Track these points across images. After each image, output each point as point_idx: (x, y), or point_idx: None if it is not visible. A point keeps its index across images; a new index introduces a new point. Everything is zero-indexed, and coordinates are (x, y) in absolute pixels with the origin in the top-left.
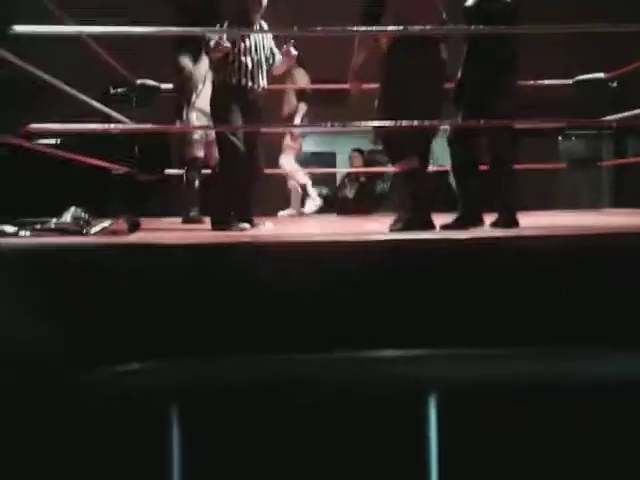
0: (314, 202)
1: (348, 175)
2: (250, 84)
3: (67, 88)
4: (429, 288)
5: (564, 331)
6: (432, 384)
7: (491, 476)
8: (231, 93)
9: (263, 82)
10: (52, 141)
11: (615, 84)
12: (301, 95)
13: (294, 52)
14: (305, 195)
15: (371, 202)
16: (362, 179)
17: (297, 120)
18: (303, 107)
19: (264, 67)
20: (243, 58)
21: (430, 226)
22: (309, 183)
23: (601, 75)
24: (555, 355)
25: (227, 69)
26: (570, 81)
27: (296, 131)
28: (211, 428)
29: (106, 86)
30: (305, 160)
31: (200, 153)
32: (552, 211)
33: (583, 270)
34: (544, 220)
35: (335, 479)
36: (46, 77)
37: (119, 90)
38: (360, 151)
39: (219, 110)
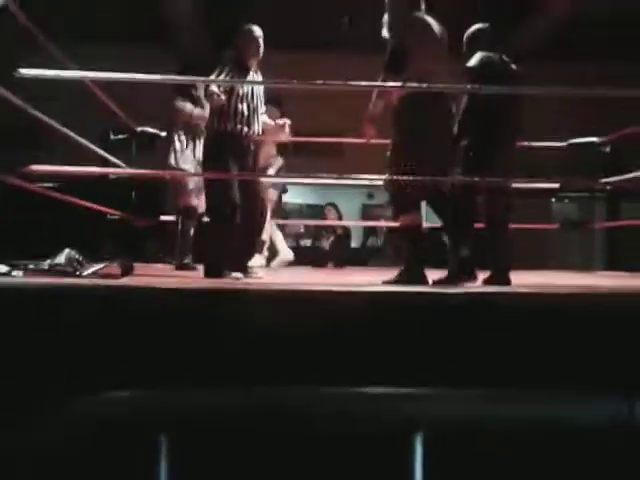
0: (284, 256)
1: (324, 228)
2: (246, 130)
3: (68, 132)
4: (422, 334)
5: (548, 376)
6: (419, 422)
7: None
8: (226, 140)
9: (258, 128)
10: (49, 184)
11: (608, 148)
12: (281, 148)
13: (287, 130)
14: (274, 249)
15: (346, 255)
16: (339, 232)
17: (271, 172)
18: (279, 160)
19: (259, 113)
20: (239, 105)
21: (424, 280)
22: (279, 237)
23: (594, 139)
24: (540, 397)
25: (223, 115)
26: (564, 144)
27: (273, 184)
28: (199, 458)
29: (106, 132)
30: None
31: (195, 202)
32: (544, 271)
33: (568, 325)
34: (536, 279)
35: None
36: (48, 120)
37: (119, 136)
38: (334, 205)
39: (212, 158)
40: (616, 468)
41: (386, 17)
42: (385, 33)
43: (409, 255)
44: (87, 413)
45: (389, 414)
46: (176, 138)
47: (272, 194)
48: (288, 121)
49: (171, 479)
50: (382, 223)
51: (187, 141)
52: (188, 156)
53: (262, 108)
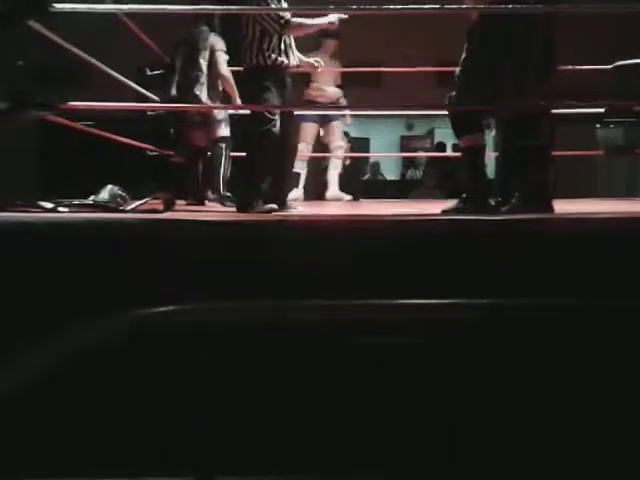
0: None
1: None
2: (286, 62)
3: (104, 68)
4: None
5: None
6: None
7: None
8: (268, 71)
9: (295, 60)
10: (89, 122)
11: None
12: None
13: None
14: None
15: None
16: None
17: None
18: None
19: (293, 44)
20: (276, 37)
21: (487, 208)
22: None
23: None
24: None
25: (263, 46)
26: (609, 67)
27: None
28: (248, 369)
29: (143, 68)
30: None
31: (226, 132)
32: (588, 199)
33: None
34: (580, 207)
35: (357, 420)
36: (84, 55)
37: (155, 72)
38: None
39: (254, 89)
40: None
41: None
42: None
43: (473, 180)
44: (153, 322)
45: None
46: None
47: (338, 128)
48: (320, 61)
49: (219, 386)
50: (420, 154)
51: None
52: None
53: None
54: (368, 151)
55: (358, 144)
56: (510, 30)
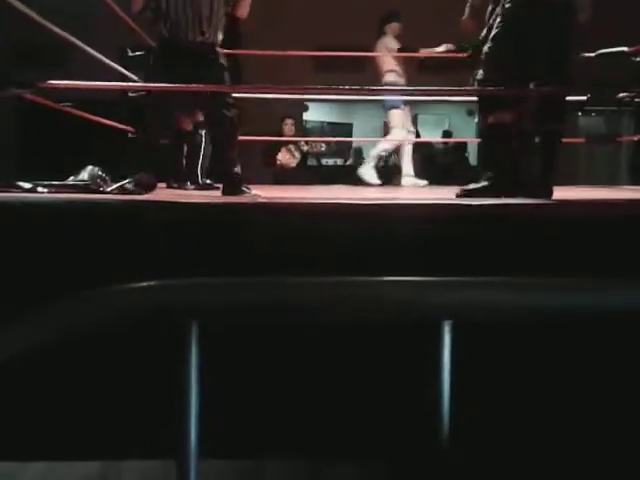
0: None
1: (288, 142)
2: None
3: (85, 47)
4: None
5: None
6: (448, 310)
7: (502, 404)
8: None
9: (212, 34)
10: (69, 103)
11: (639, 58)
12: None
13: None
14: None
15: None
16: (304, 147)
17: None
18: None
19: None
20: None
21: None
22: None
23: (625, 49)
24: (570, 285)
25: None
26: (592, 54)
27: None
28: (231, 348)
29: (124, 49)
30: (323, 130)
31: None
32: (570, 187)
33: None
34: (564, 194)
35: (348, 404)
36: (66, 36)
37: (137, 53)
38: (291, 119)
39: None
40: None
41: None
42: None
43: (500, 161)
44: (118, 301)
45: (418, 302)
46: None
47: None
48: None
49: (201, 366)
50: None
51: None
52: None
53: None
54: (351, 136)
55: (342, 129)
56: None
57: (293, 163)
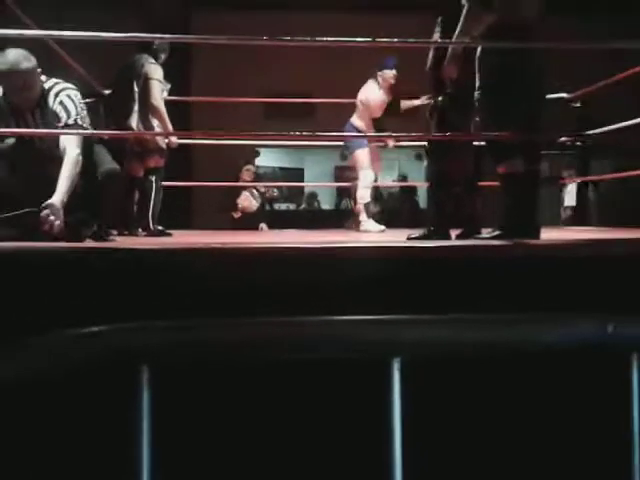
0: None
1: (246, 187)
2: None
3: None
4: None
5: (525, 303)
6: (396, 349)
7: (453, 439)
8: None
9: None
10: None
11: (578, 104)
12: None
13: None
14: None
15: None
16: (263, 190)
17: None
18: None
19: None
20: None
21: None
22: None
23: (564, 95)
24: (517, 321)
25: None
26: None
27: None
28: (181, 390)
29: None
30: (274, 175)
31: (159, 163)
32: None
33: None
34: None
35: (301, 439)
36: None
37: (87, 100)
38: (252, 165)
39: None
40: (590, 387)
41: None
42: None
43: (512, 210)
44: (66, 347)
45: (367, 340)
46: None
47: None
48: None
49: (153, 410)
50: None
51: None
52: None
53: None
54: (303, 180)
55: (293, 174)
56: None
57: (254, 207)
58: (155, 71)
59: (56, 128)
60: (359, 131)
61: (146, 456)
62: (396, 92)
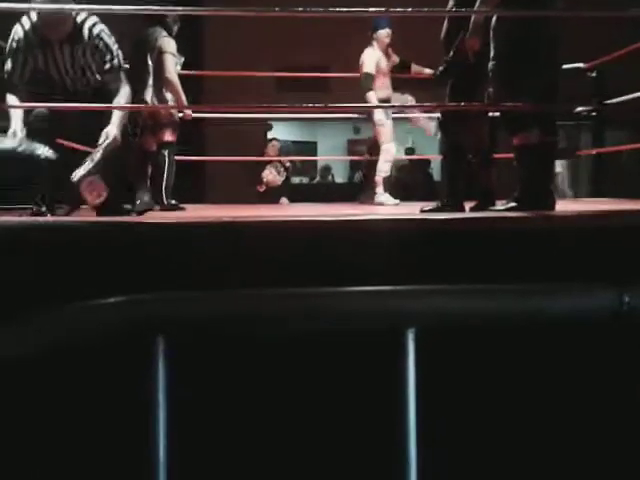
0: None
1: (271, 161)
2: None
3: None
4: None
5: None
6: (411, 318)
7: (466, 409)
8: None
9: None
10: None
11: (594, 74)
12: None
13: None
14: None
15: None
16: (288, 165)
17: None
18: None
19: None
20: None
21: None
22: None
23: (580, 65)
24: (532, 291)
25: None
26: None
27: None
28: (197, 361)
29: None
30: (288, 149)
31: (171, 138)
32: None
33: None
34: None
35: (316, 411)
36: None
37: None
38: (277, 140)
39: None
40: (607, 358)
41: None
42: None
43: (531, 179)
44: (83, 319)
45: (381, 311)
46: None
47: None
48: None
49: (169, 381)
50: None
51: None
52: None
53: None
54: (316, 154)
55: (306, 147)
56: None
57: (279, 182)
58: (169, 44)
59: (99, 64)
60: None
61: (162, 426)
62: (405, 55)
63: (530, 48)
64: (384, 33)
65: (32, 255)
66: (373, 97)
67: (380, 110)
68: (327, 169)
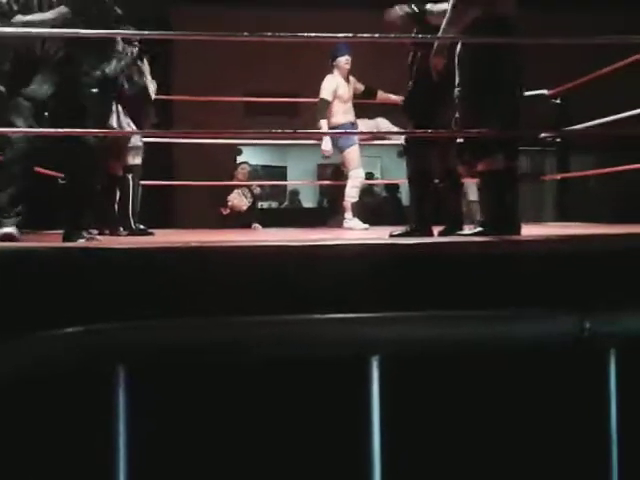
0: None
1: (241, 186)
2: None
3: None
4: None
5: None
6: (375, 346)
7: (431, 436)
8: None
9: None
10: None
11: (558, 100)
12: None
13: None
14: None
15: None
16: (256, 190)
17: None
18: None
19: None
20: None
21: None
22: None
23: (544, 92)
24: (495, 317)
25: None
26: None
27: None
28: (158, 390)
29: None
30: (256, 173)
31: (135, 161)
32: None
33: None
34: None
35: (279, 439)
36: None
37: None
38: (246, 164)
39: None
40: (569, 384)
41: None
42: None
43: (494, 206)
44: (43, 347)
45: (345, 338)
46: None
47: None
48: None
49: (129, 411)
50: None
51: None
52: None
53: None
54: (285, 178)
55: (275, 172)
56: (499, 57)
57: (244, 206)
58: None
59: None
60: (351, 129)
61: (122, 459)
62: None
63: (495, 75)
64: (343, 60)
65: None
66: (324, 124)
67: (343, 136)
68: (295, 193)
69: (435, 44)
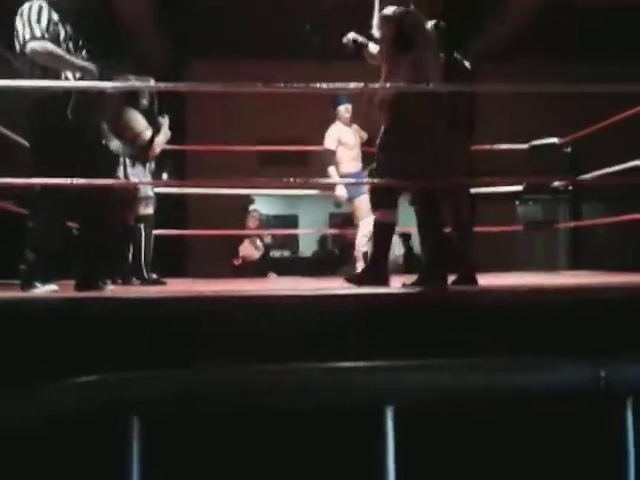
0: None
1: (249, 236)
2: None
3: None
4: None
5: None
6: (390, 395)
7: None
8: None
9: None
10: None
11: (569, 149)
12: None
13: None
14: None
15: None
16: (267, 239)
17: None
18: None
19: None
20: None
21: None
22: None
23: (555, 140)
24: (510, 367)
25: None
26: (525, 146)
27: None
28: (172, 440)
29: None
30: (268, 222)
31: (147, 211)
32: (510, 273)
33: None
34: (503, 280)
35: None
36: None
37: None
38: (257, 211)
39: None
40: (586, 433)
41: (376, 17)
42: (375, 31)
43: (376, 253)
44: (57, 398)
45: (359, 387)
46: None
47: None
48: None
49: (143, 463)
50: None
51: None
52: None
53: None
54: (297, 227)
55: (287, 221)
56: (430, 108)
57: (255, 256)
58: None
59: None
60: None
61: None
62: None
63: (411, 124)
64: (343, 109)
65: (2, 333)
66: (333, 171)
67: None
68: (308, 242)
69: (377, 97)
